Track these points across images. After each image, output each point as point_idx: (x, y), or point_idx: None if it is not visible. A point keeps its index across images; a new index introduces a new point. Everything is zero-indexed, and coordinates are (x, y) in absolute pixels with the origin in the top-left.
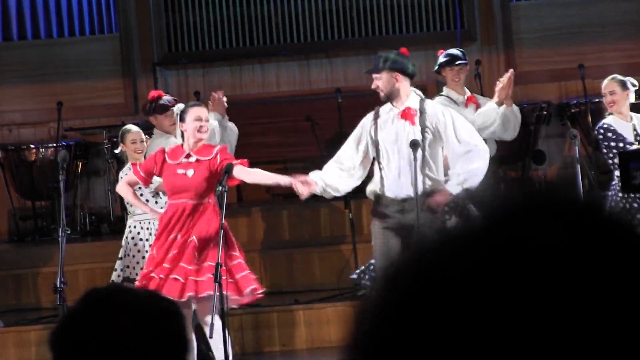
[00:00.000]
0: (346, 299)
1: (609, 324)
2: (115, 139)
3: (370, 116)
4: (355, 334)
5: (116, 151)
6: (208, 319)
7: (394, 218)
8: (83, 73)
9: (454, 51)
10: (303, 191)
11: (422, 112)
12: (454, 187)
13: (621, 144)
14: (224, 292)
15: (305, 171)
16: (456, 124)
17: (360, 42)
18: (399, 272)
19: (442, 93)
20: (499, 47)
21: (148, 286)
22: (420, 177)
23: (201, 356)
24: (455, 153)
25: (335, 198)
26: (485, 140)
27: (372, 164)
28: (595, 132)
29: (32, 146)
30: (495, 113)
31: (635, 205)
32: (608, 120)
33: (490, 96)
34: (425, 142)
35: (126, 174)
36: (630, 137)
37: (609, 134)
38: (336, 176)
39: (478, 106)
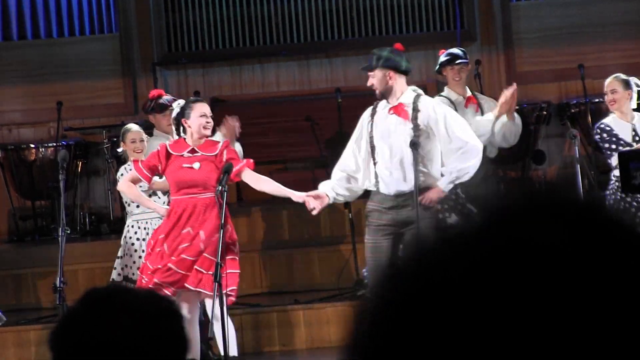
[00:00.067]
0: (346, 299)
1: (609, 324)
2: (115, 139)
3: (368, 112)
4: (354, 334)
5: (118, 150)
6: (186, 310)
7: (388, 215)
8: (83, 73)
9: (455, 50)
10: (316, 206)
11: (415, 108)
12: (445, 185)
13: (614, 145)
14: (223, 292)
15: (305, 171)
16: (448, 120)
17: (360, 42)
18: (399, 271)
19: (443, 93)
20: (499, 47)
21: (169, 279)
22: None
23: (201, 356)
24: (447, 149)
25: None
26: (484, 147)
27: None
28: (594, 132)
29: (32, 146)
30: (490, 125)
31: (635, 204)
32: (607, 120)
33: (490, 96)
34: (419, 138)
35: (124, 173)
36: (628, 138)
37: (604, 135)
38: (345, 182)
39: (478, 106)
